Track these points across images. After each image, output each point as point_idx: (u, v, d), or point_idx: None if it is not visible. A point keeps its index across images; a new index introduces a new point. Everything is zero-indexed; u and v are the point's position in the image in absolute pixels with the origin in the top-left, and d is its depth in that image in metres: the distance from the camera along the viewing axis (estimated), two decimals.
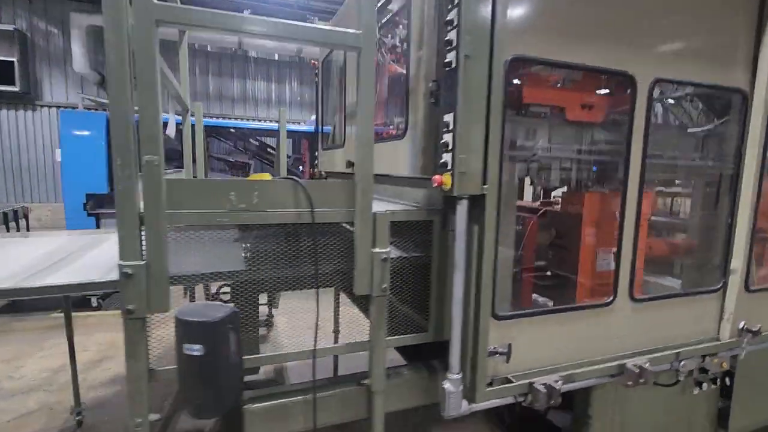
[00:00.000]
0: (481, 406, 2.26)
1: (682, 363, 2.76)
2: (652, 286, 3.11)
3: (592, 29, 2.30)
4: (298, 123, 12.65)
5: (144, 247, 1.72)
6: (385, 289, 2.09)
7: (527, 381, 2.30)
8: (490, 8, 1.93)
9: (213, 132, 8.21)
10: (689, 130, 3.03)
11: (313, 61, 4.51)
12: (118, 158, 1.65)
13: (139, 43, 1.62)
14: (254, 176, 2.28)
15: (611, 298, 2.58)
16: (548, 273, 3.11)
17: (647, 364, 2.55)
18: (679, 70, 2.55)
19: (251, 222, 1.94)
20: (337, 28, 1.94)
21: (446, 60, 2.00)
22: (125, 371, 1.79)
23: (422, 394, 2.44)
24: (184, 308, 1.59)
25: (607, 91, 2.64)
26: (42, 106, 11.47)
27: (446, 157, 2.03)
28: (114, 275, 2.29)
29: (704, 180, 3.19)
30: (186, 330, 1.53)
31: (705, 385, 3.04)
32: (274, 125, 11.76)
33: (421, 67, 2.26)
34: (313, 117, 10.22)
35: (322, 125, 4.36)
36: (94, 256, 2.88)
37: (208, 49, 12.85)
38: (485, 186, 2.04)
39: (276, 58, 13.35)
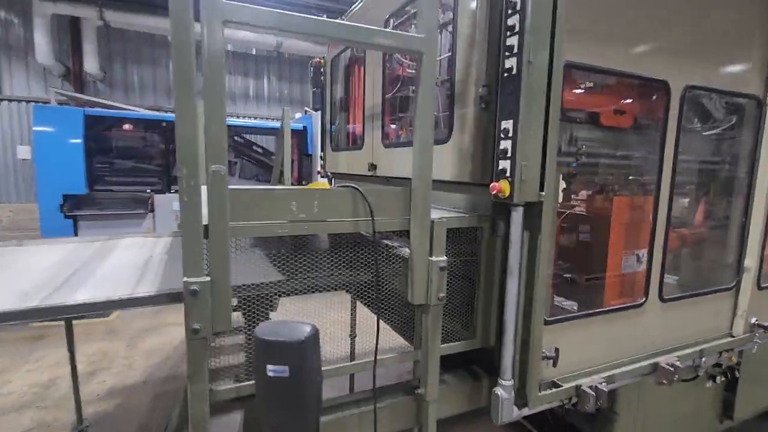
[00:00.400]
0: (529, 411, 2.27)
1: (703, 359, 2.87)
2: None
3: (633, 38, 2.35)
4: (275, 120, 12.36)
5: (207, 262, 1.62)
6: (442, 298, 2.06)
7: (574, 384, 2.32)
8: (551, 14, 1.93)
9: None
10: (704, 134, 3.14)
11: (318, 59, 4.39)
12: (184, 168, 1.54)
13: (207, 46, 1.51)
14: (313, 185, 2.19)
15: (643, 300, 2.66)
16: (574, 276, 3.15)
17: (677, 362, 2.64)
18: (706, 77, 2.64)
19: (311, 232, 1.86)
20: (400, 32, 1.88)
21: (506, 66, 1.98)
22: (188, 394, 1.69)
23: (467, 400, 2.43)
24: (262, 327, 1.51)
25: (640, 97, 2.70)
26: (1, 100, 10.72)
27: (504, 164, 2.02)
28: (146, 288, 2.17)
29: (713, 182, 3.32)
30: (270, 350, 1.44)
31: (718, 379, 3.18)
32: (258, 123, 11.47)
33: (471, 71, 2.23)
34: (298, 114, 10.03)
35: (331, 125, 4.26)
36: (112, 266, 2.71)
37: None
38: (542, 193, 2.04)
39: (254, 52, 12.99)
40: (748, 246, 3.02)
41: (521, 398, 2.24)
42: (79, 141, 6.74)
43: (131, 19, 10.60)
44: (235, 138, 8.14)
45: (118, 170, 7.28)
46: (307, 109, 9.02)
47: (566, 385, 2.31)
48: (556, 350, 2.29)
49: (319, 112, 8.68)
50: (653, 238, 2.61)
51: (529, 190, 2.01)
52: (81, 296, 2.05)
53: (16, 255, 2.97)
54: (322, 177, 4.67)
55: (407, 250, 2.07)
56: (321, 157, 4.62)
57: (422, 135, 1.95)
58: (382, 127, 3.14)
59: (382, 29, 1.82)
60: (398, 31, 1.92)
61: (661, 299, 2.71)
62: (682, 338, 2.88)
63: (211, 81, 1.54)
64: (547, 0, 1.91)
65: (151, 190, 7.28)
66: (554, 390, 2.28)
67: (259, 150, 8.41)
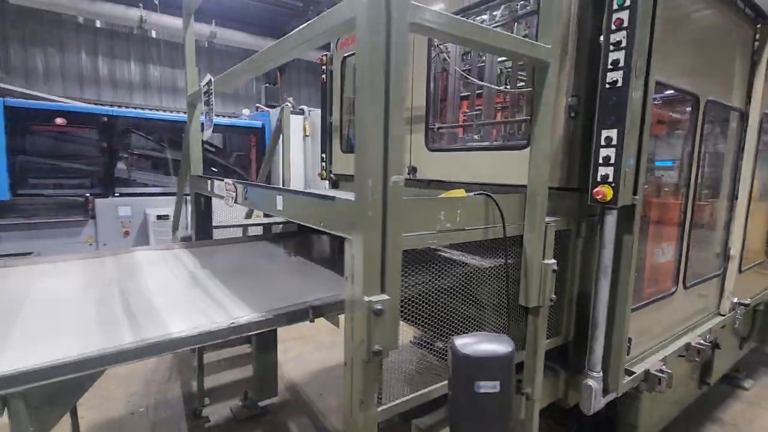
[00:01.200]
0: (613, 397, 2.44)
1: (708, 336, 3.32)
2: None
3: (677, 58, 2.63)
4: (222, 116, 11.50)
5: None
6: (553, 299, 2.14)
7: (644, 369, 2.56)
8: (649, 32, 2.10)
9: (131, 124, 7.06)
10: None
11: (320, 57, 4.22)
12: (370, 181, 1.43)
13: (395, 50, 1.41)
14: (450, 193, 2.13)
15: (674, 289, 2.99)
16: None
17: (701, 340, 3.02)
18: (715, 92, 3.05)
19: (455, 241, 1.83)
20: (529, 40, 1.91)
21: (608, 79, 2.11)
22: (353, 421, 1.57)
23: (547, 394, 2.54)
24: (461, 343, 1.46)
25: (675, 109, 3.02)
26: None
27: (606, 170, 2.15)
28: (241, 311, 1.96)
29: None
30: (481, 367, 1.40)
31: (709, 352, 3.67)
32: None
33: (561, 81, 2.33)
34: (246, 111, 9.47)
35: (341, 127, 4.11)
36: (158, 286, 2.39)
37: (97, 25, 10.98)
38: (635, 197, 2.22)
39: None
40: (733, 237, 3.54)
41: (604, 386, 2.42)
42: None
43: None
44: (183, 135, 7.43)
45: (48, 171, 6.29)
46: (259, 105, 8.55)
47: (638, 371, 2.53)
48: (629, 339, 2.50)
49: (278, 109, 8.30)
50: (682, 232, 2.96)
51: (627, 194, 2.17)
52: (176, 325, 1.80)
53: (17, 279, 2.47)
54: (323, 179, 4.51)
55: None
56: (322, 158, 4.45)
57: (540, 144, 2.01)
58: (427, 130, 3.13)
59: (512, 35, 1.83)
60: (527, 39, 1.95)
61: (684, 286, 3.08)
62: (689, 320, 3.29)
63: (395, 92, 1.44)
64: (647, 19, 2.07)
65: (91, 194, 6.41)
66: (632, 376, 2.49)
67: (212, 149, 7.78)
